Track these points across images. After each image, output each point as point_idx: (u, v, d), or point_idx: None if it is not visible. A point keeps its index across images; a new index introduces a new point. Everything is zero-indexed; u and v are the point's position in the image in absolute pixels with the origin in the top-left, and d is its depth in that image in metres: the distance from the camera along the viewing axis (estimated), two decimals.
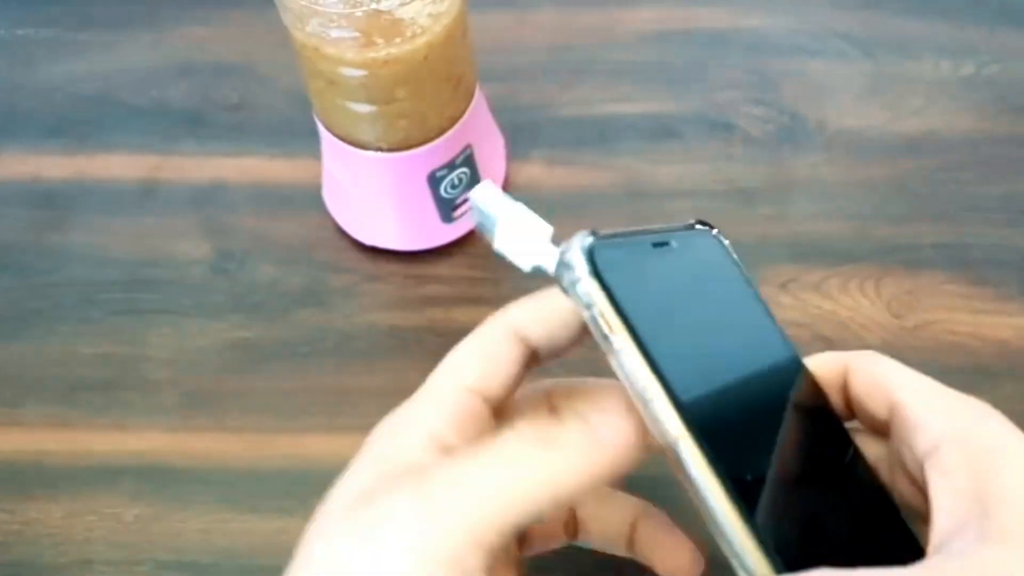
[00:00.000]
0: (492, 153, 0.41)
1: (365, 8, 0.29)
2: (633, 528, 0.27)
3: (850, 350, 0.38)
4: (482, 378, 0.24)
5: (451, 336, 0.40)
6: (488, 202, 0.23)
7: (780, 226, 0.42)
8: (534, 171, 0.44)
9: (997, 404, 0.37)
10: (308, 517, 0.36)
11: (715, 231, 0.27)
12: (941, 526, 0.21)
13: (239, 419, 0.38)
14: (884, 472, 0.25)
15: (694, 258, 0.27)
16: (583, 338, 0.24)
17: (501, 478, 0.21)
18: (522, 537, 0.27)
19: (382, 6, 0.29)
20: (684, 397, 0.21)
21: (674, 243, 0.25)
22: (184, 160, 0.45)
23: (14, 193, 0.44)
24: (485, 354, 0.24)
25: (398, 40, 0.30)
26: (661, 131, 0.44)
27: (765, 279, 0.40)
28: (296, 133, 0.44)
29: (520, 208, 0.23)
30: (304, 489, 0.37)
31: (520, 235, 0.23)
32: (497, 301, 0.40)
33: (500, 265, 0.41)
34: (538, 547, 0.28)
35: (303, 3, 0.30)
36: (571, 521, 0.28)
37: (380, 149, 0.36)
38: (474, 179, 0.39)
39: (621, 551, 0.28)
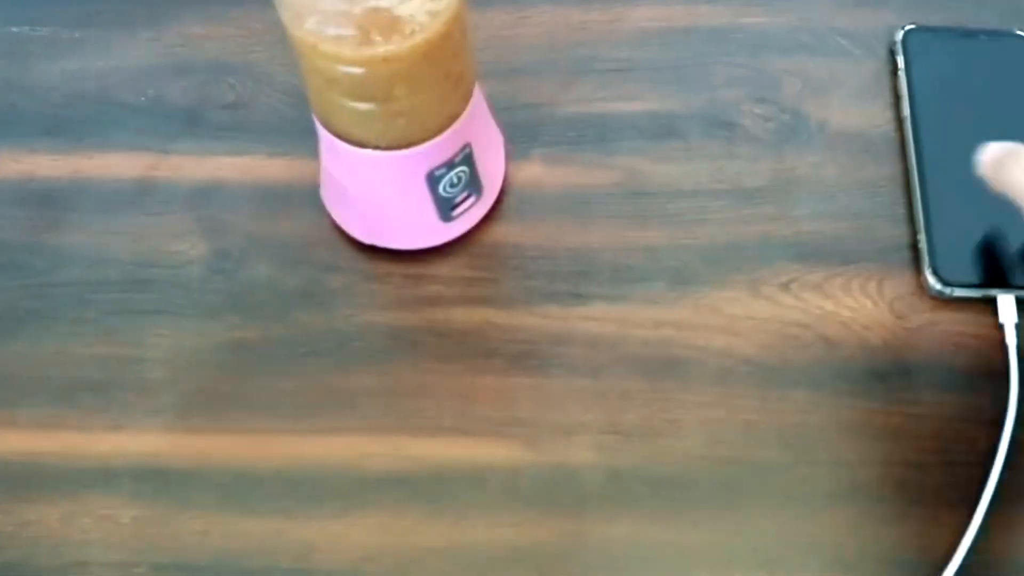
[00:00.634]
0: (492, 152, 0.41)
1: (363, 6, 0.29)
2: None
3: (853, 351, 0.38)
4: None
5: (450, 336, 0.40)
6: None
7: (782, 225, 0.42)
8: (534, 170, 0.43)
9: (999, 404, 0.37)
10: (306, 518, 0.36)
11: None
12: None
13: (236, 420, 0.38)
14: None
15: None
16: None
17: None
18: None
19: (381, 3, 0.29)
20: None
21: None
22: (181, 159, 0.44)
23: (9, 192, 0.44)
24: None
25: (396, 38, 0.30)
26: (662, 130, 0.44)
27: (766, 279, 0.40)
28: (294, 132, 0.43)
29: None
30: (302, 490, 0.37)
31: None
32: (496, 301, 0.40)
33: (500, 265, 0.41)
34: None
35: (301, 1, 0.30)
36: None
37: (378, 147, 0.35)
38: (473, 178, 0.38)
39: None
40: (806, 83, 0.45)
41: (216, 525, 0.36)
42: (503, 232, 0.42)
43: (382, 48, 0.30)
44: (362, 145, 0.36)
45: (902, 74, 0.44)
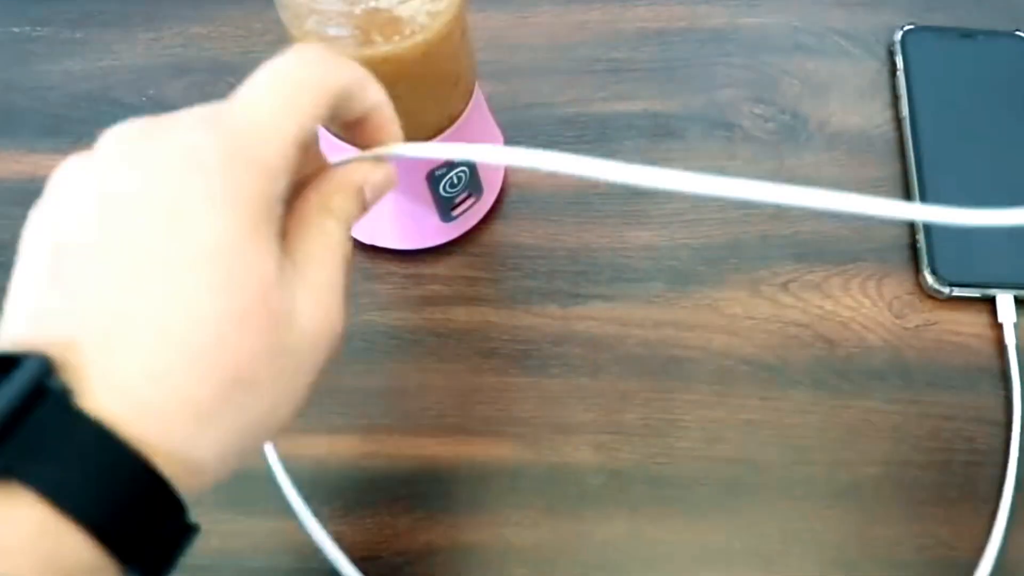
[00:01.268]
0: None
1: (363, 6, 0.29)
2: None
3: (852, 350, 0.38)
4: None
5: (450, 336, 0.40)
6: None
7: (781, 225, 0.42)
8: (534, 170, 0.43)
9: (1000, 404, 0.37)
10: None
11: None
12: None
13: None
14: None
15: None
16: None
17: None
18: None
19: (380, 4, 0.29)
20: None
21: None
22: None
23: (10, 192, 0.44)
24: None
25: (396, 38, 0.30)
26: (661, 130, 0.44)
27: (766, 279, 0.40)
28: None
29: None
30: (303, 490, 0.37)
31: None
32: (496, 301, 0.40)
33: (499, 265, 0.41)
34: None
35: (301, 1, 0.30)
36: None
37: None
38: (473, 178, 0.38)
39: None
40: (805, 83, 0.46)
41: (215, 524, 0.36)
42: (503, 232, 0.42)
43: (382, 48, 0.30)
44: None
45: (901, 74, 0.44)
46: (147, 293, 0.19)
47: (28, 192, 0.44)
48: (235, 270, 0.19)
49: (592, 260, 0.41)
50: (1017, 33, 0.45)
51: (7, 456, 0.17)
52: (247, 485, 0.37)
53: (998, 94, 0.44)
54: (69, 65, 0.48)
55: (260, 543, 0.36)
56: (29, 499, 0.17)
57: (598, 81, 0.46)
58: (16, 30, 0.50)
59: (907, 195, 0.42)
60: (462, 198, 0.39)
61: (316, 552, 0.35)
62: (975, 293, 0.39)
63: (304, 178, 0.24)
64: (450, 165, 0.37)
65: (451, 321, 0.40)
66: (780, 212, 0.42)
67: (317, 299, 0.22)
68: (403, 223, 0.39)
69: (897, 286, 0.40)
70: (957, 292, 0.39)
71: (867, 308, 0.40)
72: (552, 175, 0.43)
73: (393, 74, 0.32)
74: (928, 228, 0.40)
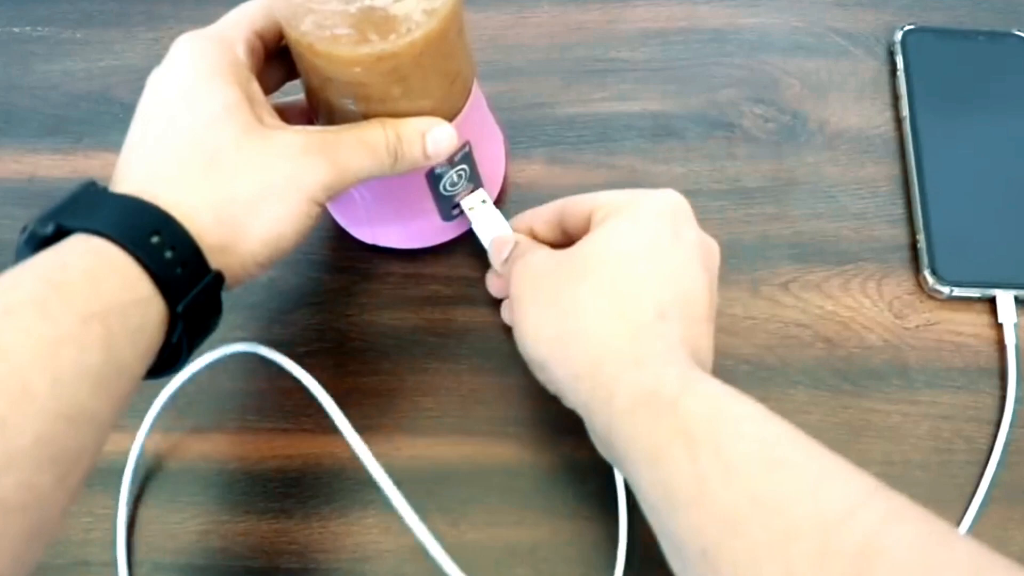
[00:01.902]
0: (492, 151, 0.41)
1: (359, 5, 0.29)
2: None
3: (852, 350, 0.38)
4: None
5: (450, 336, 0.40)
6: None
7: (781, 225, 0.42)
8: (534, 169, 0.43)
9: (1000, 405, 0.37)
10: (306, 518, 0.36)
11: None
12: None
13: (237, 420, 0.38)
14: None
15: None
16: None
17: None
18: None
19: (376, 3, 0.29)
20: None
21: None
22: None
23: (10, 192, 0.44)
24: None
25: (392, 36, 0.30)
26: (662, 130, 0.44)
27: (766, 279, 0.40)
28: None
29: None
30: (302, 490, 0.37)
31: None
32: (495, 300, 0.40)
33: None
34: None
35: (297, 1, 0.30)
36: None
37: None
38: (473, 176, 0.38)
39: None
40: (805, 83, 0.46)
41: (215, 525, 0.36)
42: None
43: (378, 47, 0.30)
44: None
45: (901, 74, 0.44)
46: (154, 127, 0.31)
47: (28, 192, 0.44)
48: (195, 103, 0.30)
49: None
50: (1017, 33, 0.45)
51: (62, 217, 0.27)
52: (246, 486, 0.37)
53: (998, 94, 0.44)
54: (69, 65, 0.48)
55: (260, 543, 0.36)
56: (81, 236, 0.27)
57: (598, 81, 0.46)
58: (16, 30, 0.50)
59: (907, 195, 0.42)
60: (462, 196, 0.39)
61: (316, 552, 0.35)
62: (975, 293, 0.39)
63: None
64: (450, 163, 0.37)
65: (451, 321, 0.40)
66: (780, 212, 0.42)
67: (307, 143, 0.31)
68: (403, 222, 0.39)
69: (897, 286, 0.40)
70: (957, 292, 0.39)
71: (867, 308, 0.40)
72: (552, 173, 0.43)
73: (390, 72, 0.32)
74: (928, 228, 0.40)
